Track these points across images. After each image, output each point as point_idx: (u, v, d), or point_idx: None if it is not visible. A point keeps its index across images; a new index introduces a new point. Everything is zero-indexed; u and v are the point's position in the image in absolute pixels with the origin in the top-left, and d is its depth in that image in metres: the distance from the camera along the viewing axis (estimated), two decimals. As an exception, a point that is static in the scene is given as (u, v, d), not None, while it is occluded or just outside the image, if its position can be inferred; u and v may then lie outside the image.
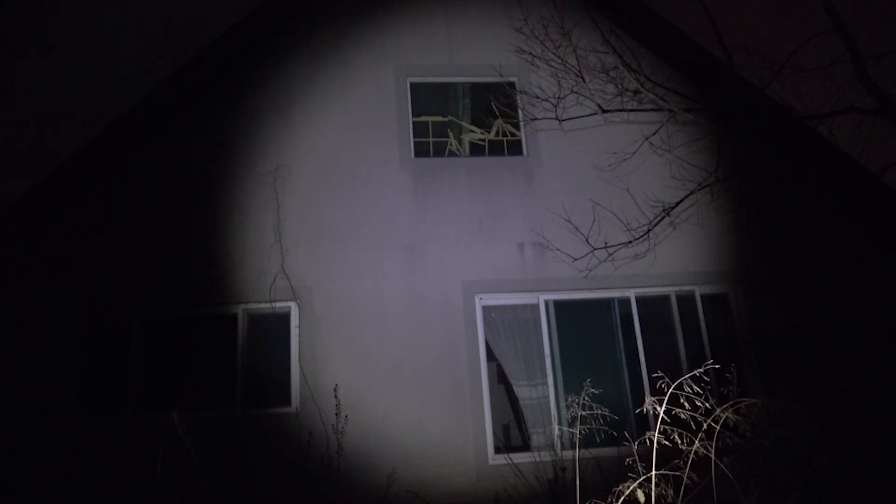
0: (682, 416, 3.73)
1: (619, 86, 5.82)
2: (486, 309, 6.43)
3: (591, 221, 6.49)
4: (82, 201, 6.37)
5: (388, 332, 6.17)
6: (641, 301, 6.56)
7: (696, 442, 3.70)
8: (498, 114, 7.19)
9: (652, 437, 3.67)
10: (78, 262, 6.17)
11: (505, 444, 6.17)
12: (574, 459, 5.05)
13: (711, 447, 3.71)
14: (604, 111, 5.70)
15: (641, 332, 6.43)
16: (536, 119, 6.44)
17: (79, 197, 6.36)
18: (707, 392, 3.75)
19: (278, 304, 6.21)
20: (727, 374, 4.41)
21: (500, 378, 6.59)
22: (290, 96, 6.84)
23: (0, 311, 5.99)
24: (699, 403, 3.70)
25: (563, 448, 5.86)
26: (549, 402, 6.14)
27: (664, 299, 6.63)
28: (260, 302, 6.19)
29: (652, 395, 3.92)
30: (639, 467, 3.69)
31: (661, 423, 3.68)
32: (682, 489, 3.62)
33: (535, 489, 5.73)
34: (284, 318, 6.23)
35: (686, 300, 6.64)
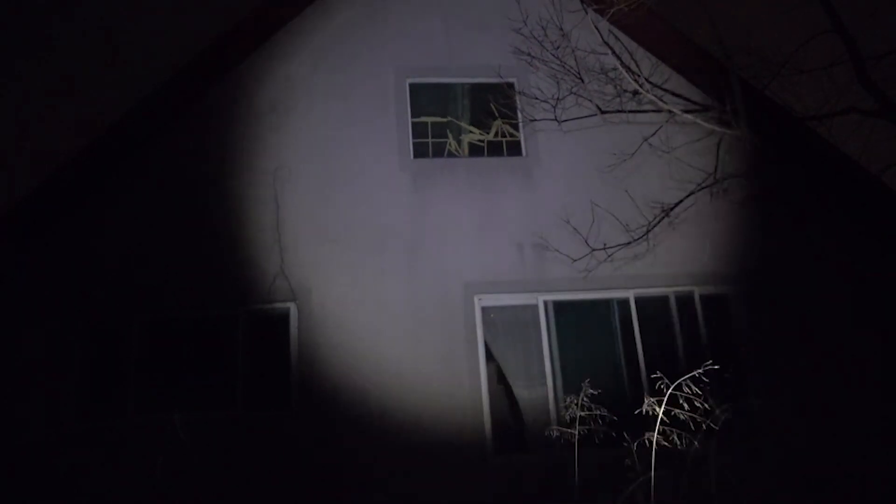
0: (682, 416, 3.74)
1: (619, 87, 5.83)
2: (485, 310, 6.42)
3: (591, 222, 6.48)
4: (82, 203, 6.36)
5: (387, 333, 6.16)
6: (640, 302, 6.55)
7: (696, 443, 3.70)
8: (497, 115, 7.19)
9: (651, 438, 3.67)
10: (77, 263, 6.17)
11: (504, 445, 6.16)
12: (574, 460, 5.05)
13: (711, 448, 3.71)
14: (603, 112, 5.71)
15: (640, 332, 6.42)
16: (535, 120, 6.44)
17: (78, 198, 6.35)
18: (706, 393, 3.76)
19: (278, 305, 6.20)
20: (726, 375, 4.42)
21: (500, 379, 6.59)
22: (289, 97, 6.83)
23: (0, 313, 6.01)
24: (698, 404, 3.70)
25: (562, 448, 5.86)
26: (548, 403, 6.14)
27: (663, 300, 6.62)
28: (259, 303, 6.19)
29: (651, 396, 3.93)
30: (638, 468, 3.69)
31: (661, 424, 3.68)
32: (682, 490, 3.62)
33: (534, 490, 5.73)
34: (284, 318, 6.23)
35: (685, 301, 6.63)
